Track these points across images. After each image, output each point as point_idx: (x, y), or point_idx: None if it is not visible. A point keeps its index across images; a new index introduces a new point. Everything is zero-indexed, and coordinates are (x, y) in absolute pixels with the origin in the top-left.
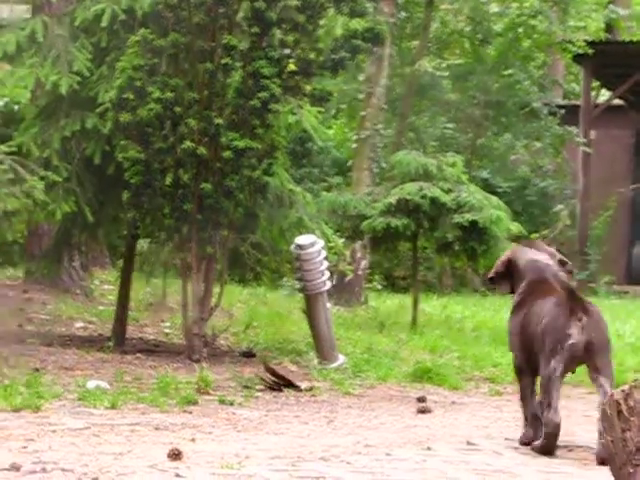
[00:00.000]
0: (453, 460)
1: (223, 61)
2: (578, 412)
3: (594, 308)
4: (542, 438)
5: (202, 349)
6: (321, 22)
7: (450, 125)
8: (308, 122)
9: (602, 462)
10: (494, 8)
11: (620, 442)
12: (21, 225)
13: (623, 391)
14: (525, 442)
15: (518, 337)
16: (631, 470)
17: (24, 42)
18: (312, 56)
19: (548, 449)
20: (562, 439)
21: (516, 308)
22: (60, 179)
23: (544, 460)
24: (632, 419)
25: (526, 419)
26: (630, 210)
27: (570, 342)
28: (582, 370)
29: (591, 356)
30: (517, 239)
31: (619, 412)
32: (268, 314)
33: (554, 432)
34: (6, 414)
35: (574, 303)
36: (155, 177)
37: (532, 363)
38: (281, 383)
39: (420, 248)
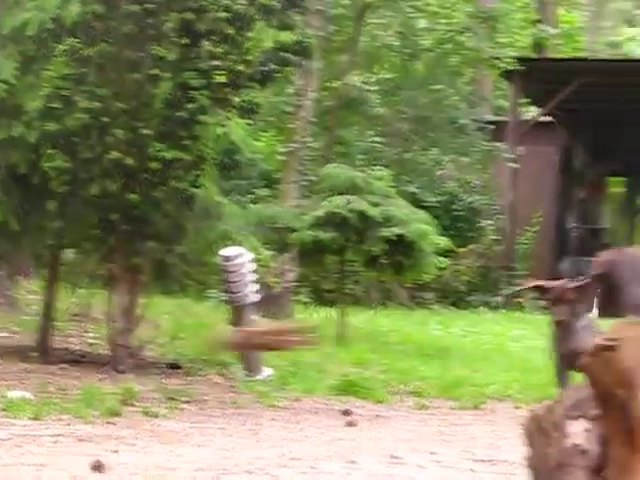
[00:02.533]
0: (377, 473)
1: (151, 72)
2: (503, 426)
3: None
4: None
5: (127, 360)
6: (250, 34)
7: (378, 139)
8: (236, 134)
9: None
10: (423, 23)
11: (542, 458)
12: None
13: (545, 407)
14: None
15: None
16: None
17: None
18: (241, 68)
19: None
20: (486, 453)
21: None
22: None
23: (468, 474)
24: (554, 435)
25: None
26: (556, 226)
27: None
28: (511, 386)
29: None
30: None
31: (541, 428)
32: (194, 325)
33: None
34: None
35: None
36: (82, 187)
37: None
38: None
39: (347, 261)
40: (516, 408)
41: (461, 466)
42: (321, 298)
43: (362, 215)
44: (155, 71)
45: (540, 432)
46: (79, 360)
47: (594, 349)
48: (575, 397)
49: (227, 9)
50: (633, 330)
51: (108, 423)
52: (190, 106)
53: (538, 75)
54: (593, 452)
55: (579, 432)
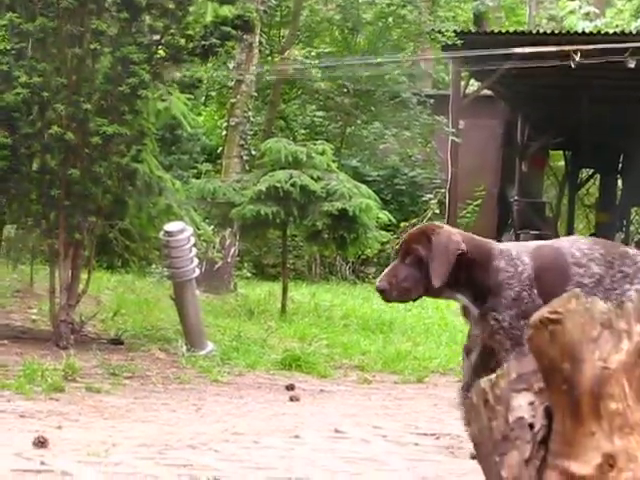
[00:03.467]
0: (321, 448)
1: (92, 46)
2: (445, 400)
3: None
4: None
5: (69, 336)
6: (191, 8)
7: (320, 113)
8: (177, 109)
9: None
10: None
11: (486, 431)
12: None
13: (490, 380)
14: None
15: None
16: (497, 459)
17: None
18: (182, 42)
19: None
20: (430, 427)
21: None
22: None
23: (412, 448)
24: (498, 408)
25: None
26: (498, 200)
27: None
28: (453, 360)
29: None
30: None
31: (485, 401)
32: (136, 301)
33: None
34: None
35: None
36: (22, 162)
37: None
38: None
39: (290, 236)
40: (458, 382)
41: (405, 440)
42: (263, 273)
43: (304, 189)
44: (95, 45)
45: (485, 405)
46: (20, 336)
47: (538, 321)
48: (520, 370)
49: None
50: (576, 303)
51: (50, 399)
52: (131, 80)
53: (478, 49)
54: (538, 425)
55: (524, 405)
